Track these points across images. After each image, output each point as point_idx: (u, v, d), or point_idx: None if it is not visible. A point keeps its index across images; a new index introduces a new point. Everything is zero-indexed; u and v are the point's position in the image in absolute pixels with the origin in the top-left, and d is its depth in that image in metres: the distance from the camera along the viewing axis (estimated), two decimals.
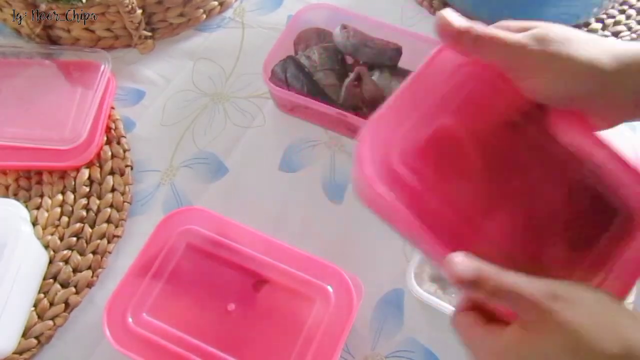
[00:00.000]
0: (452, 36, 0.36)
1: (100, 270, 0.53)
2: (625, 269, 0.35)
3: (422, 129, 0.36)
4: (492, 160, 0.37)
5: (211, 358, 0.46)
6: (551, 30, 0.35)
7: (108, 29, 0.66)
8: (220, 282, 0.50)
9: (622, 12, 0.74)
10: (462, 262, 0.31)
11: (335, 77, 0.60)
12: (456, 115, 0.37)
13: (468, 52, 0.36)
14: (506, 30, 0.36)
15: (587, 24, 0.72)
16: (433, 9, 0.71)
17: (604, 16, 0.73)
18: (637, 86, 0.34)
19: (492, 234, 0.35)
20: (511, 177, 0.37)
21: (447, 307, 0.47)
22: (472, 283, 0.31)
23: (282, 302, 0.49)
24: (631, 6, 0.74)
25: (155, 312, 0.48)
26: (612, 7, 0.74)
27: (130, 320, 0.47)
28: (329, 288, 0.49)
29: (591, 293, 0.31)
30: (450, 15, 0.36)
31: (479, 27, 0.35)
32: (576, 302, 0.30)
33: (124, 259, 0.54)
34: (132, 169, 0.59)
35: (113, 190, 0.57)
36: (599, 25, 0.72)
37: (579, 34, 0.35)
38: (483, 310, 0.33)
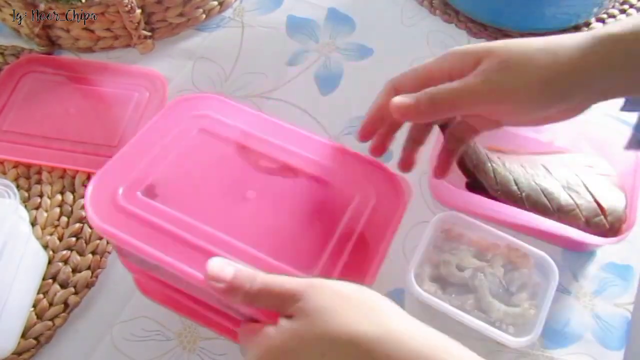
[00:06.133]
0: (410, 115, 0.40)
1: (99, 270, 0.53)
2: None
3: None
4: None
5: (222, 244, 0.38)
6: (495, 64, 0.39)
7: (107, 29, 0.66)
8: (239, 168, 0.43)
9: (623, 11, 0.74)
10: (219, 265, 0.33)
11: None
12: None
13: (430, 120, 0.42)
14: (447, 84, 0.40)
15: (587, 24, 0.72)
16: (433, 9, 0.71)
17: (605, 15, 0.73)
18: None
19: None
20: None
21: (447, 307, 0.47)
22: (229, 288, 0.33)
23: (312, 196, 0.42)
24: (632, 5, 0.74)
25: (153, 193, 0.40)
26: (613, 7, 0.74)
27: (121, 196, 0.39)
28: (371, 184, 0.43)
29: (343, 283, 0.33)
30: (400, 100, 0.40)
31: (423, 98, 0.39)
32: (326, 287, 0.33)
33: None
34: None
35: None
36: (599, 25, 0.72)
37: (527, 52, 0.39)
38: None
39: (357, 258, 0.39)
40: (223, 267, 0.33)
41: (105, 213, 0.38)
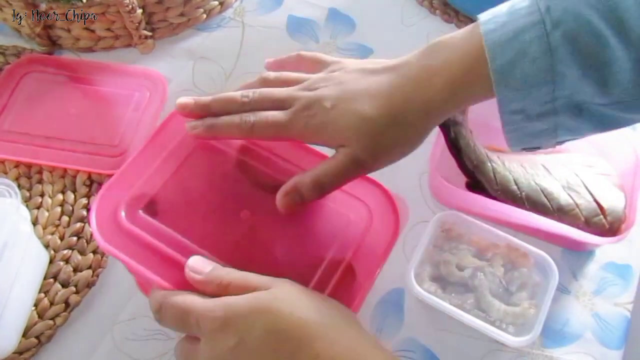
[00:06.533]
0: (299, 205, 0.41)
1: (100, 270, 0.53)
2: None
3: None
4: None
5: None
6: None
7: (108, 29, 0.66)
8: (235, 186, 0.43)
9: None
10: (199, 261, 0.37)
11: None
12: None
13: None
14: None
15: None
16: (433, 9, 0.71)
17: None
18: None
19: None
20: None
21: (447, 307, 0.47)
22: (205, 280, 0.36)
23: (305, 218, 0.42)
24: None
25: (154, 210, 0.41)
26: None
27: (123, 215, 0.40)
28: (366, 204, 0.43)
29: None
30: (286, 202, 0.41)
31: (309, 191, 0.41)
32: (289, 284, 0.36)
33: None
34: None
35: None
36: None
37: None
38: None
39: (344, 288, 0.39)
40: (202, 263, 0.37)
41: (110, 234, 0.40)
